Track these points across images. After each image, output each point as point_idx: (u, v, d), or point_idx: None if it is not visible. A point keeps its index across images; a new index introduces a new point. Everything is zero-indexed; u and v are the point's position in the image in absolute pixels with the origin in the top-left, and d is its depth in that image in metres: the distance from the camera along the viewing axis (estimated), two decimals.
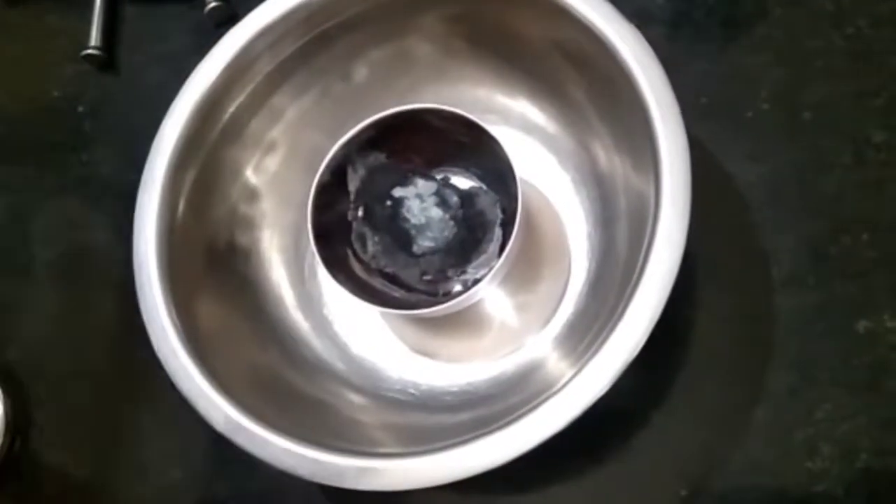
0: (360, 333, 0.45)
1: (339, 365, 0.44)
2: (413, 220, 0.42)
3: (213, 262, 0.43)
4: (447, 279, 0.42)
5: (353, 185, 0.42)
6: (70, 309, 0.51)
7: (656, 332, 0.34)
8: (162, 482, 0.46)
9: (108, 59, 0.55)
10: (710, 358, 0.42)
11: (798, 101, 0.45)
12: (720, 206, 0.44)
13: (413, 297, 0.42)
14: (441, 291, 0.42)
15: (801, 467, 0.40)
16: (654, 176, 0.35)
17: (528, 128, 0.45)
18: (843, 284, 0.42)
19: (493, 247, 0.41)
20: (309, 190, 0.40)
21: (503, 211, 0.42)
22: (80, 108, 0.54)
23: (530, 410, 0.33)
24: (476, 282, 0.39)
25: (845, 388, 0.41)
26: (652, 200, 0.35)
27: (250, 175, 0.45)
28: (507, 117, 0.45)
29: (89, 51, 0.54)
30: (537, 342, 0.43)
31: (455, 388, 0.43)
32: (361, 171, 0.42)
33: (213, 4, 0.52)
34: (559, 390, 0.33)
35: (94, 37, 0.54)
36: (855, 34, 0.45)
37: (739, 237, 0.44)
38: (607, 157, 0.42)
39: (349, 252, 0.42)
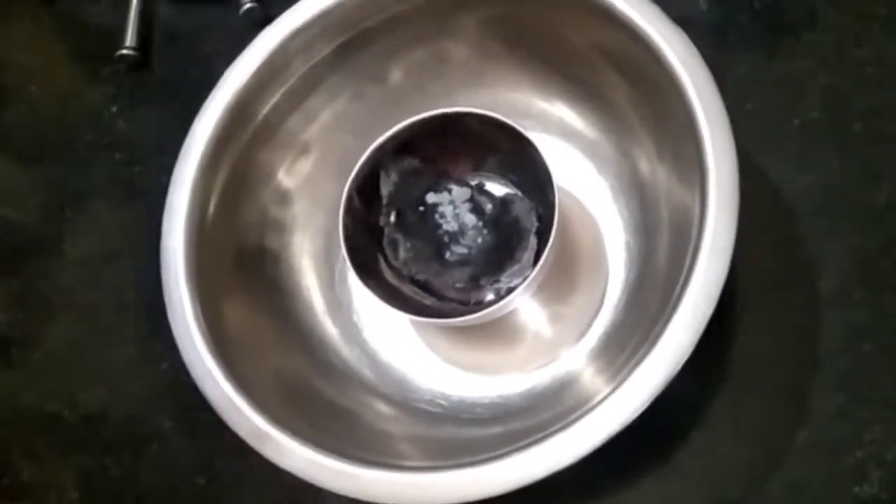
0: (390, 342, 0.45)
1: (368, 373, 0.44)
2: (446, 227, 0.42)
3: (243, 265, 0.43)
4: (480, 288, 0.41)
5: (385, 189, 0.42)
6: (97, 309, 0.51)
7: (696, 347, 0.33)
8: (186, 489, 0.46)
9: (143, 59, 0.55)
10: (752, 375, 0.41)
11: (848, 108, 0.44)
12: (765, 216, 0.42)
13: (444, 305, 0.41)
14: (473, 300, 0.41)
15: (847, 493, 0.38)
16: (699, 183, 0.34)
17: (567, 133, 0.44)
18: (895, 300, 0.40)
19: (528, 255, 0.41)
20: (341, 194, 0.40)
21: (539, 219, 0.41)
22: (114, 108, 0.54)
23: (566, 426, 0.32)
24: (510, 291, 0.39)
25: None
26: (696, 209, 0.34)
27: (282, 177, 0.45)
28: (544, 122, 0.44)
29: (124, 51, 0.54)
30: (572, 355, 0.42)
31: (486, 401, 0.42)
32: (394, 176, 0.42)
33: (248, 6, 0.52)
34: (596, 406, 0.32)
35: (129, 37, 0.54)
36: None
37: (785, 249, 0.42)
38: (649, 164, 0.41)
39: (380, 258, 0.42)
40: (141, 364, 0.49)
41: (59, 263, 0.52)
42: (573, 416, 0.32)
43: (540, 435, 0.32)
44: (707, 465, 0.40)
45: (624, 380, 0.32)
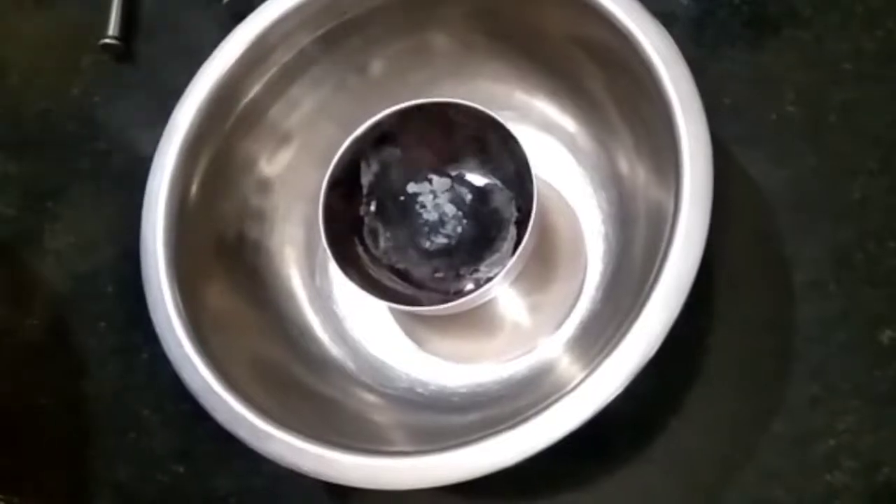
0: (370, 331, 0.45)
1: (348, 362, 0.44)
2: (426, 217, 0.42)
3: (223, 254, 0.43)
4: (459, 277, 0.41)
5: (366, 179, 0.42)
6: (77, 299, 0.51)
7: (674, 338, 0.33)
8: (165, 477, 0.46)
9: (126, 49, 0.55)
10: (728, 366, 0.41)
11: (824, 104, 0.44)
12: (742, 210, 0.43)
13: (424, 294, 0.41)
14: (452, 290, 0.41)
15: (820, 481, 0.39)
16: (674, 175, 0.34)
17: (548, 126, 0.45)
18: (868, 293, 0.41)
19: (507, 245, 0.41)
20: (322, 183, 0.40)
21: (518, 209, 0.41)
22: (96, 98, 0.54)
23: (541, 411, 0.32)
24: (489, 280, 0.39)
25: (868, 400, 0.39)
26: (672, 201, 0.34)
27: (263, 166, 0.45)
28: (525, 114, 0.45)
29: (107, 40, 0.54)
30: (550, 344, 0.42)
31: (464, 389, 0.42)
32: (375, 166, 0.42)
33: None
34: (571, 391, 0.32)
35: (113, 26, 0.54)
36: (884, 36, 0.44)
37: (761, 243, 0.43)
38: (627, 158, 0.41)
39: (360, 247, 0.42)
40: (120, 353, 0.49)
41: (39, 253, 0.52)
42: (546, 403, 0.32)
43: (515, 420, 0.33)
44: (682, 454, 0.41)
45: (596, 367, 0.32)
